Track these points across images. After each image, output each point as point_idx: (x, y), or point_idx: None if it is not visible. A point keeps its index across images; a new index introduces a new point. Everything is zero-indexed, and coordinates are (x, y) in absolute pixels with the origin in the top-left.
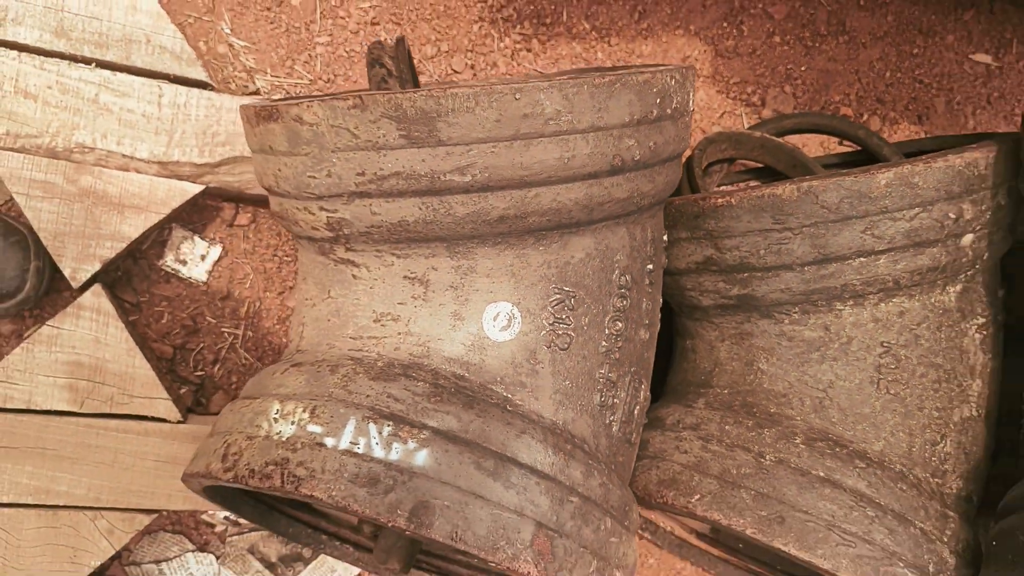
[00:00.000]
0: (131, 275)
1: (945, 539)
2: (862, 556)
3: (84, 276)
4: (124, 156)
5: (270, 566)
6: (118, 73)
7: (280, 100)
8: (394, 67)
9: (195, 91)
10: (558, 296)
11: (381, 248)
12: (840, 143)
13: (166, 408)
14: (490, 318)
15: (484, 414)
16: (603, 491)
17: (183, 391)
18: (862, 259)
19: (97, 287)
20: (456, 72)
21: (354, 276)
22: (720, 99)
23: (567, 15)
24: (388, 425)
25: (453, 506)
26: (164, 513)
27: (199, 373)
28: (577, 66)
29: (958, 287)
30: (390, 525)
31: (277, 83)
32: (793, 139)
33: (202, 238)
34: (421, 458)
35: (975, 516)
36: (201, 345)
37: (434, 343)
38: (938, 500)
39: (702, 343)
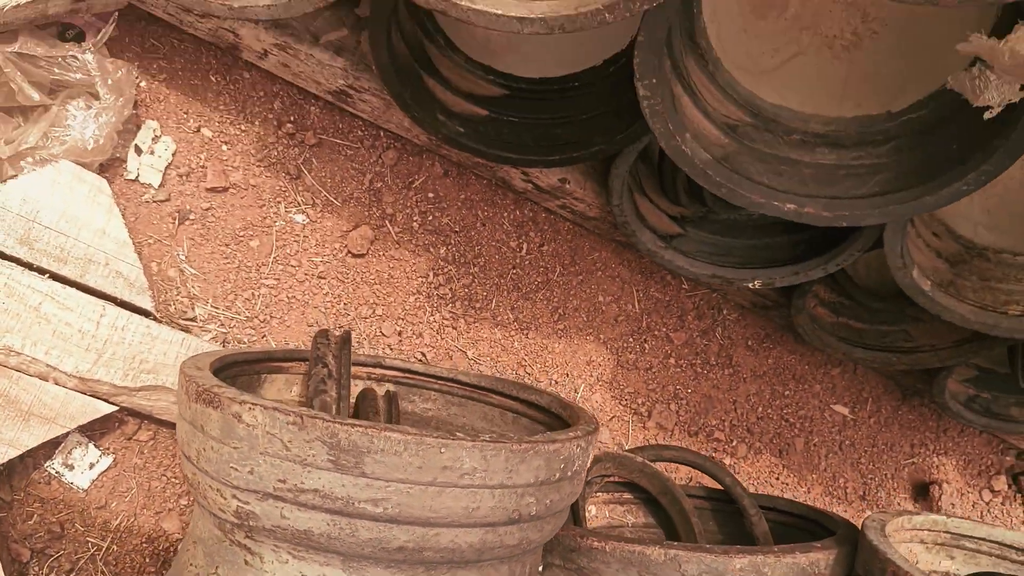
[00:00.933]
0: (13, 471)
1: None
2: None
3: None
4: (48, 366)
5: None
6: (68, 288)
7: (221, 389)
8: (335, 368)
9: (136, 317)
10: None
11: (280, 546)
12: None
13: None
14: None
15: None
16: None
17: None
18: None
19: None
20: (384, 336)
21: (247, 562)
22: (613, 404)
23: (496, 304)
24: None
25: None
26: None
27: None
28: (494, 351)
29: None
30: None
31: (215, 314)
32: (668, 466)
33: (96, 447)
34: None
35: None
36: (60, 552)
37: None
38: None
39: None
